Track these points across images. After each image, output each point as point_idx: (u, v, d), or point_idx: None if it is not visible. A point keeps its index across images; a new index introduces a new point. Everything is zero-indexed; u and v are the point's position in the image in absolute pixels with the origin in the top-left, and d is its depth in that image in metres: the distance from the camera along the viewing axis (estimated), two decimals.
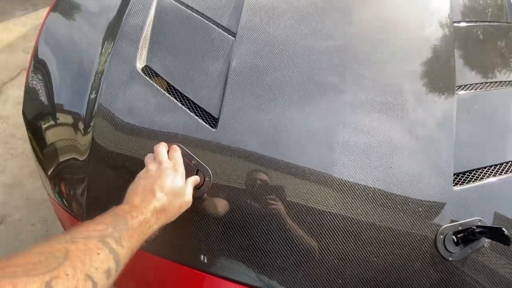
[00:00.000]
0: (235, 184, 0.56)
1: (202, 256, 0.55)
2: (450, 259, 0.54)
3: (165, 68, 0.66)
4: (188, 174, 0.54)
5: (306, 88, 0.63)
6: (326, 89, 0.62)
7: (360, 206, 0.56)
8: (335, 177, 0.56)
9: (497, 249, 0.57)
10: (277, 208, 0.55)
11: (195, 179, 0.53)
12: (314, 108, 0.61)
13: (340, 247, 0.54)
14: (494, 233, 0.52)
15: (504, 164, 0.63)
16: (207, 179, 0.55)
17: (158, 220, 0.43)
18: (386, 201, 0.56)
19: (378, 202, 0.56)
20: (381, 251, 0.54)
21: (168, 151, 0.52)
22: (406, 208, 0.56)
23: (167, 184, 0.46)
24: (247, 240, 0.54)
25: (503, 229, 0.50)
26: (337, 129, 0.59)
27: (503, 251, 0.57)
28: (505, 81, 0.72)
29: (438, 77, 0.68)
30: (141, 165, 0.51)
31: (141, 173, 0.48)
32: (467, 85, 0.69)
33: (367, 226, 0.55)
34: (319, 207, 0.55)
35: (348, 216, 0.55)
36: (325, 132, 0.59)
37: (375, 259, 0.54)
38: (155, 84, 0.63)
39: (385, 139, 0.60)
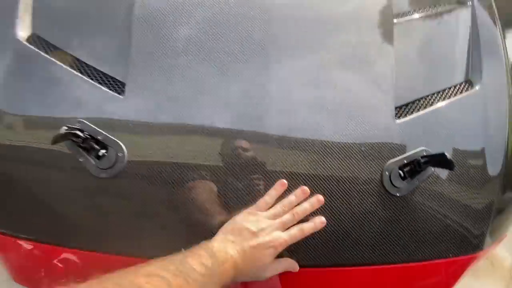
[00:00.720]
0: (154, 157, 0.48)
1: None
2: (398, 194, 0.51)
3: (57, 35, 0.55)
4: (92, 151, 0.46)
5: (226, 42, 0.54)
6: (251, 44, 0.54)
7: (299, 159, 0.50)
8: (265, 133, 0.50)
9: (444, 176, 0.54)
10: (202, 176, 0.48)
11: (287, 264, 0.47)
12: (240, 67, 0.53)
13: None
14: (437, 160, 0.49)
15: (447, 89, 0.60)
16: (119, 155, 0.47)
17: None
18: (326, 148, 0.51)
19: (316, 151, 0.51)
20: (328, 203, 0.50)
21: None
22: (349, 151, 0.52)
23: (258, 257, 0.43)
24: (175, 214, 0.48)
25: (445, 153, 0.47)
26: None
27: (450, 177, 0.55)
28: (444, 8, 0.67)
29: (375, 5, 0.61)
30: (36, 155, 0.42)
31: (249, 218, 0.45)
32: (404, 12, 0.64)
33: (310, 179, 0.50)
34: (253, 168, 0.49)
35: (288, 172, 0.50)
36: (248, 86, 0.52)
37: (324, 213, 0.50)
38: (42, 53, 0.52)
39: (319, 77, 0.54)
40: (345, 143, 0.52)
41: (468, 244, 0.56)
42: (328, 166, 0.51)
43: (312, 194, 0.49)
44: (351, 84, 0.55)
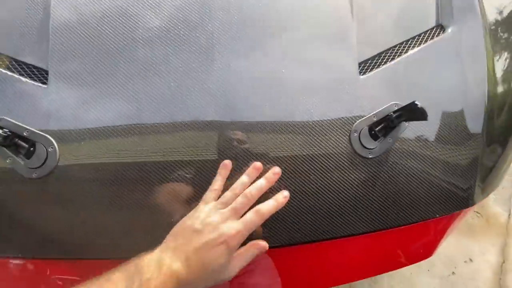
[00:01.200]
0: (89, 149, 0.43)
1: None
2: (370, 156, 0.47)
3: None
4: (19, 150, 0.40)
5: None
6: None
7: (259, 139, 0.45)
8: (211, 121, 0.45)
9: (421, 133, 0.50)
10: (150, 169, 0.43)
11: (254, 251, 0.39)
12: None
13: None
14: (409, 111, 0.44)
15: (416, 37, 0.54)
16: (50, 150, 0.41)
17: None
18: (292, 126, 0.46)
19: (278, 130, 0.45)
20: (297, 176, 0.45)
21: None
22: (316, 118, 0.46)
23: (207, 260, 0.35)
24: (123, 211, 0.43)
25: (416, 102, 0.42)
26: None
27: (428, 132, 0.50)
28: None
29: None
30: None
31: (193, 214, 0.38)
32: None
33: (277, 159, 0.45)
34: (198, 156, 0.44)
35: (254, 153, 0.45)
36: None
37: (293, 188, 0.45)
38: None
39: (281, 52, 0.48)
40: (308, 107, 0.47)
41: (455, 201, 0.52)
42: (295, 142, 0.46)
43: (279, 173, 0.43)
44: (312, 53, 0.50)
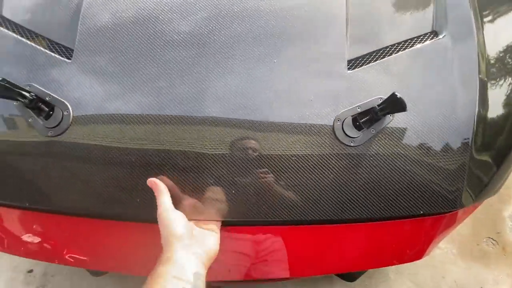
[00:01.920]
0: (101, 112, 0.49)
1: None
2: (352, 144, 0.49)
3: (20, 15, 0.57)
4: (41, 112, 0.47)
5: None
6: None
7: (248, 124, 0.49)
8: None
9: (405, 127, 0.51)
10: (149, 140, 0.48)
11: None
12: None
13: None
14: (391, 103, 0.46)
15: (408, 40, 0.57)
16: (65, 113, 0.48)
17: None
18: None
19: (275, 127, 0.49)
20: (282, 160, 0.48)
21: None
22: (304, 103, 0.50)
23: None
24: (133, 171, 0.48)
25: (395, 93, 0.44)
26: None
27: (414, 127, 0.51)
28: None
29: None
30: None
31: None
32: None
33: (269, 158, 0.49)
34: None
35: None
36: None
37: (278, 171, 0.48)
38: (4, 30, 0.54)
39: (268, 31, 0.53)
40: (299, 99, 0.50)
41: (441, 201, 0.52)
42: (280, 128, 0.49)
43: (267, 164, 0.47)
44: (303, 35, 0.54)
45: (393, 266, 1.15)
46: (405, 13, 0.60)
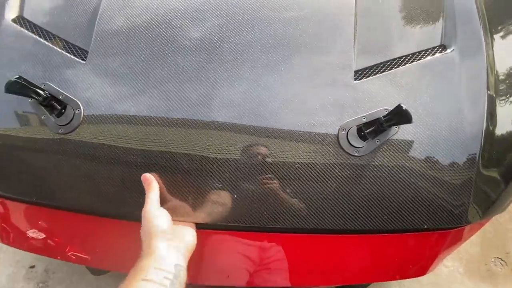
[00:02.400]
0: (111, 113, 0.50)
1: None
2: (356, 154, 0.49)
3: (40, 17, 0.60)
4: (53, 110, 0.49)
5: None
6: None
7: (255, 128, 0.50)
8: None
9: (412, 140, 0.51)
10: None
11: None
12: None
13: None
14: (397, 114, 0.46)
15: (416, 53, 0.57)
16: (76, 112, 0.50)
17: None
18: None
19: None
20: (287, 169, 0.49)
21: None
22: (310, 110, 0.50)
23: None
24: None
25: (401, 104, 0.44)
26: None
27: (421, 140, 0.51)
28: None
29: None
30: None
31: None
32: None
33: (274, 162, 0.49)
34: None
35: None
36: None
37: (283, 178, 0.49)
38: (24, 30, 0.57)
39: (278, 41, 0.54)
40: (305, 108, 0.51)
41: (446, 216, 0.51)
42: (286, 136, 0.50)
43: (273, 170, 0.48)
44: (312, 47, 0.55)
45: (396, 282, 1.12)
46: (414, 26, 0.61)
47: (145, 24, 0.56)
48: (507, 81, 0.57)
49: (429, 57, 0.56)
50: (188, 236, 0.48)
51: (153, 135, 0.49)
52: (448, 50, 0.57)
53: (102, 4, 0.57)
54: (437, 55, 0.57)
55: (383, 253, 0.56)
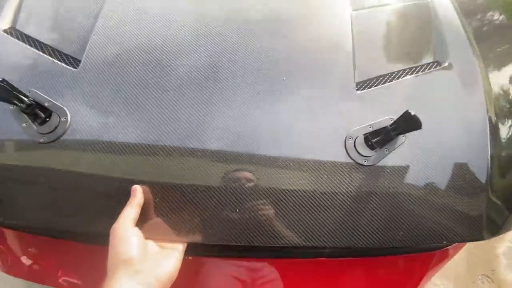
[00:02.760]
0: (99, 121, 0.46)
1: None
2: (365, 163, 0.47)
3: (32, 28, 0.56)
4: (36, 119, 0.44)
5: None
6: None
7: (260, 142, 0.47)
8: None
9: (415, 144, 0.50)
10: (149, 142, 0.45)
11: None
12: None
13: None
14: (404, 120, 0.45)
15: (413, 68, 0.59)
16: (62, 119, 0.45)
17: None
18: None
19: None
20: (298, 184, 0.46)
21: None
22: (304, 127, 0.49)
23: None
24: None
25: (409, 110, 0.44)
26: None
27: (423, 144, 0.50)
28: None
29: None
30: None
31: None
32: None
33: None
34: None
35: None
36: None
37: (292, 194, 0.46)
38: (20, 43, 0.52)
39: (281, 56, 0.54)
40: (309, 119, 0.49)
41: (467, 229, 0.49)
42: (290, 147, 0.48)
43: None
44: (313, 62, 0.55)
45: None
46: (410, 42, 0.63)
47: (138, 45, 0.53)
48: (503, 90, 0.60)
49: (425, 71, 0.58)
50: (167, 264, 0.41)
51: (142, 151, 0.45)
52: (443, 64, 0.59)
53: (99, 20, 0.54)
54: (433, 70, 0.59)
55: (372, 274, 0.53)
